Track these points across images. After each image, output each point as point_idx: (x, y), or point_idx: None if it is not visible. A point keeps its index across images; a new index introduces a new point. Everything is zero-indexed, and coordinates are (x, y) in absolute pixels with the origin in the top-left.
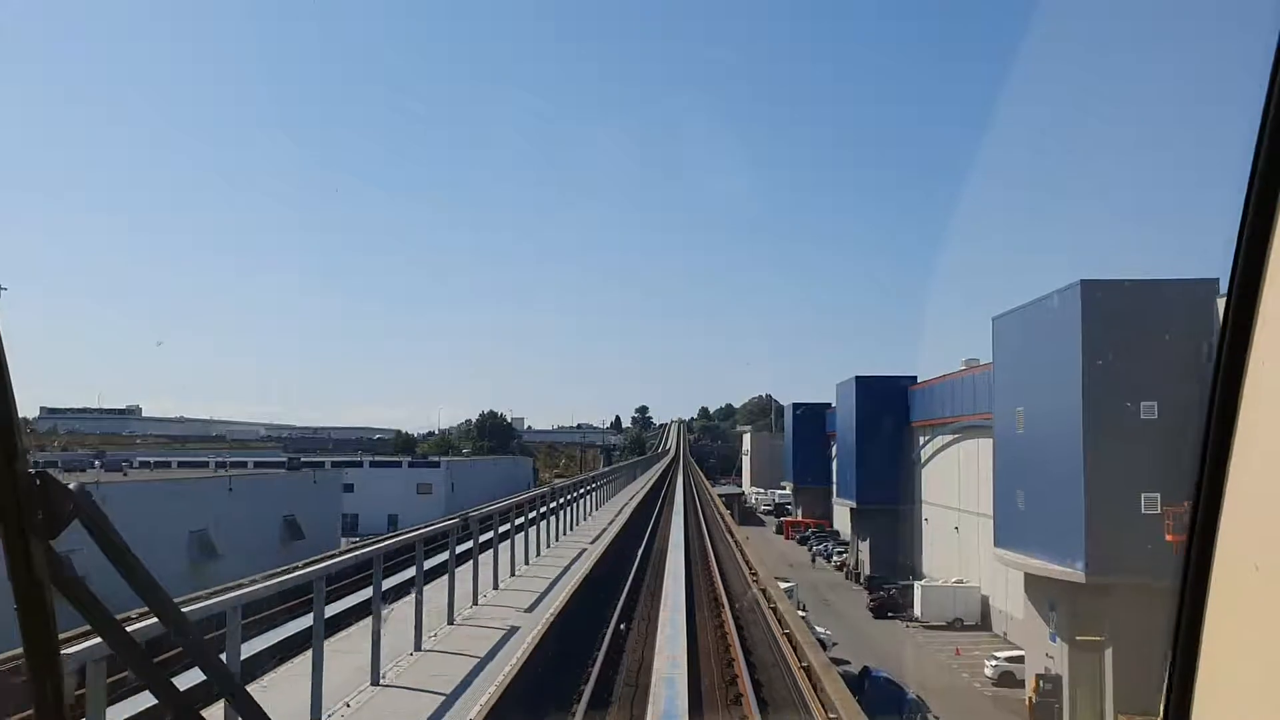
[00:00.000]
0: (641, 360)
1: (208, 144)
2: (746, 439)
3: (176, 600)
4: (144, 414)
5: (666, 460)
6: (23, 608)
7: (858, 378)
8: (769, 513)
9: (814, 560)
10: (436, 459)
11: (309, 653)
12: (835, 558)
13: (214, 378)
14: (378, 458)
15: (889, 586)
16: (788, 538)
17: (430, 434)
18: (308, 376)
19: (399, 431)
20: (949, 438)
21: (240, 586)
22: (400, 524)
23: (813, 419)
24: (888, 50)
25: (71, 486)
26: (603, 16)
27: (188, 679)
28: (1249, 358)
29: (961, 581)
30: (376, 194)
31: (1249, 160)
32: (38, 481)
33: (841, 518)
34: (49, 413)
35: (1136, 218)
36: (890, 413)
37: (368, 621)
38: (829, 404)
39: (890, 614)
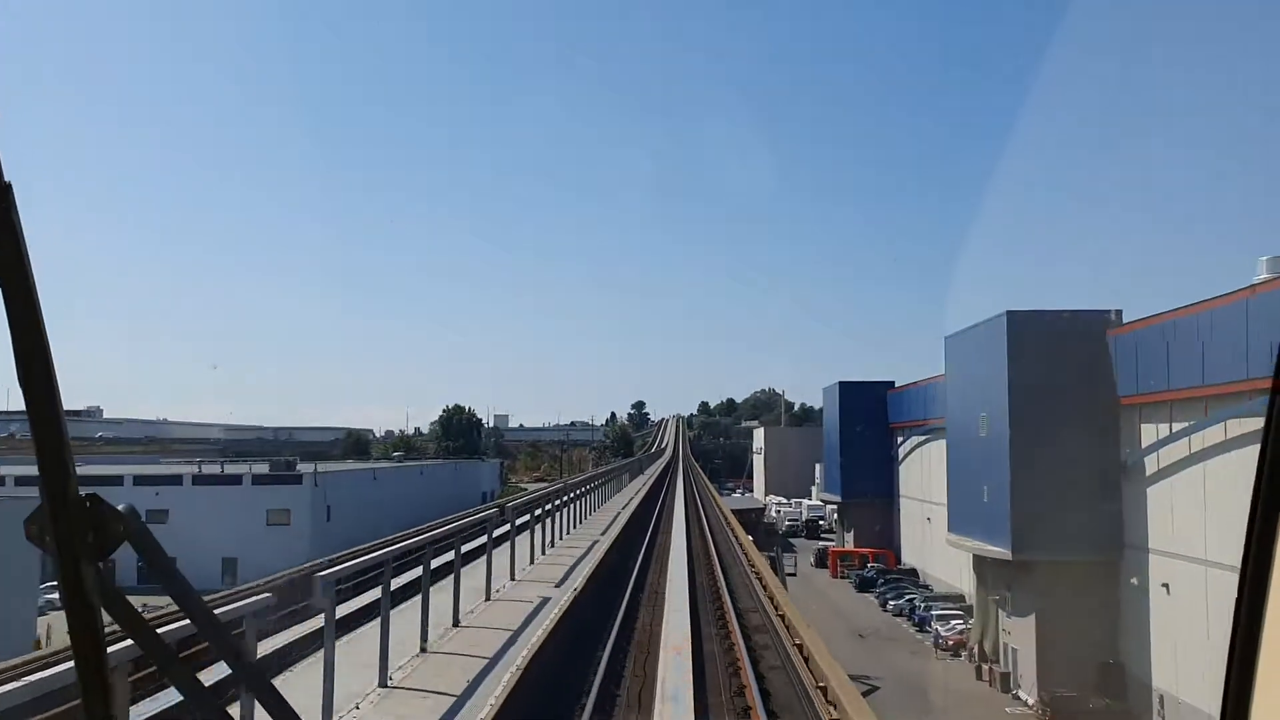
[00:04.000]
0: (638, 356)
1: (189, 133)
2: (758, 435)
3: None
4: (104, 415)
5: (661, 464)
6: (74, 626)
7: (1010, 313)
8: (794, 532)
9: (938, 646)
10: (298, 472)
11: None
12: (935, 623)
13: (177, 377)
14: (228, 470)
15: None
16: (835, 574)
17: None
18: (295, 377)
19: (349, 431)
20: (1252, 425)
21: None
22: (241, 573)
23: (868, 404)
24: (911, 48)
25: (121, 508)
26: (622, 11)
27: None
28: None
29: None
30: (376, 192)
31: None
32: (88, 504)
33: (948, 564)
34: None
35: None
36: (1075, 383)
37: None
38: (889, 382)
39: None
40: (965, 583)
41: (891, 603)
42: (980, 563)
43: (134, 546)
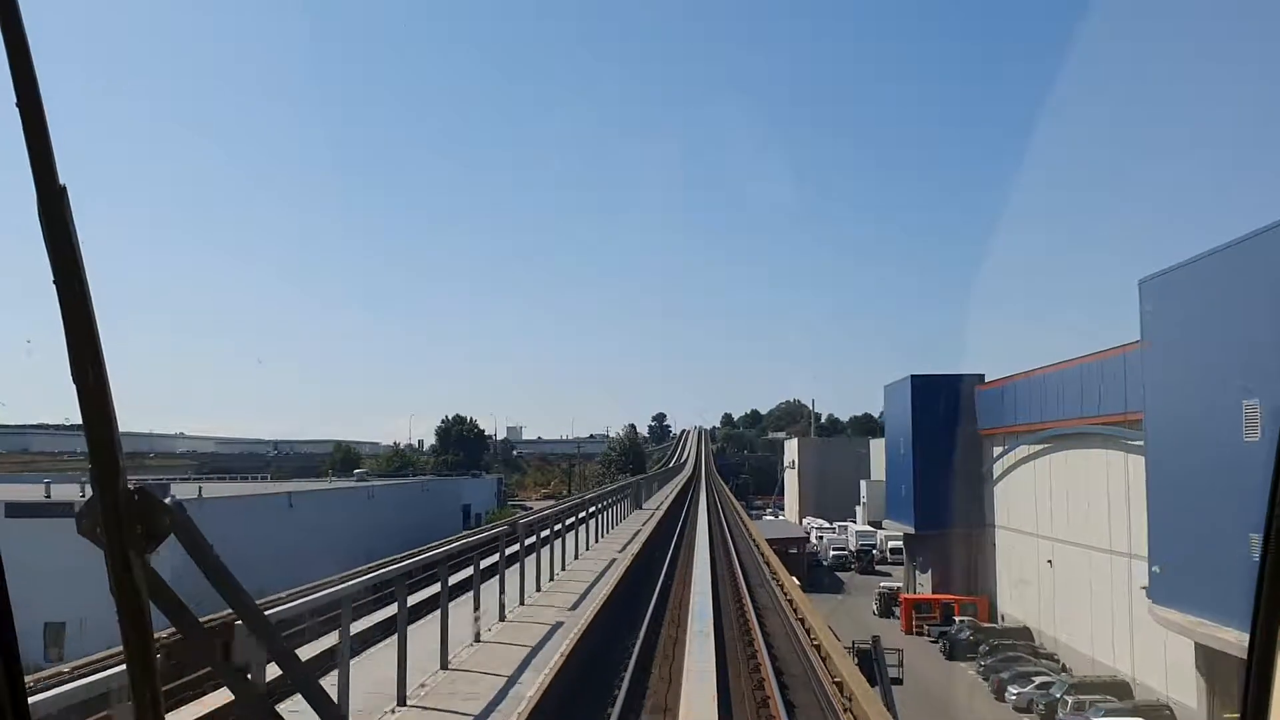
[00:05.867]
0: (659, 367)
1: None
2: (790, 448)
3: None
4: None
5: (680, 482)
6: (124, 617)
7: None
8: (842, 564)
9: None
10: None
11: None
12: None
13: (204, 390)
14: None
15: None
16: (908, 628)
17: (421, 444)
18: (314, 390)
19: (338, 443)
20: None
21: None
22: (71, 645)
23: (949, 404)
24: (930, 54)
25: (168, 501)
26: (644, 23)
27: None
28: None
29: None
30: (399, 200)
31: None
32: (136, 497)
33: (1086, 628)
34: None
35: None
36: None
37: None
38: (980, 375)
39: None
40: (1139, 669)
41: (1012, 689)
42: (1214, 658)
43: (180, 540)
